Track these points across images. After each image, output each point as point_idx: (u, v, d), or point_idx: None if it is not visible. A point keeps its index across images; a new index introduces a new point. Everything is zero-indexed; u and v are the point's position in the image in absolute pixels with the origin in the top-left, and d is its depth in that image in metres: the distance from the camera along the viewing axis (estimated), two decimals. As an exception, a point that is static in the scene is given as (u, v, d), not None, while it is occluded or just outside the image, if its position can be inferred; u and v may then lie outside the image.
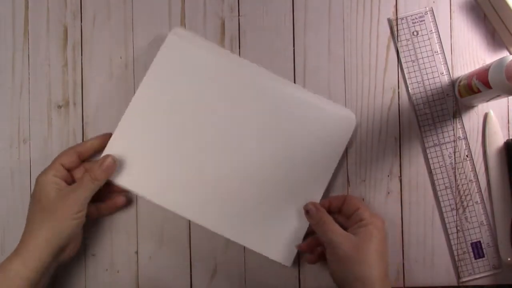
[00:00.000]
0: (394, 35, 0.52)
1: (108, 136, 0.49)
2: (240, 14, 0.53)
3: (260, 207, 0.50)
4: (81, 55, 0.53)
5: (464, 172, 0.51)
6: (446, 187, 0.51)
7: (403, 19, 0.52)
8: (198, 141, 0.50)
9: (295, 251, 0.49)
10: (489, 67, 0.44)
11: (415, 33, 0.52)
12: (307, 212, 0.48)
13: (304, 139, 0.50)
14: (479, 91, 0.46)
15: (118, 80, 0.53)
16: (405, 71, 0.52)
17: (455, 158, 0.51)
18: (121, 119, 0.49)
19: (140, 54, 0.53)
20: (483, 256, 0.51)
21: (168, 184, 0.49)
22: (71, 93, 0.53)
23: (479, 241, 0.51)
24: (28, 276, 0.42)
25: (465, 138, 0.52)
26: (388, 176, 0.52)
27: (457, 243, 0.51)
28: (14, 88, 0.53)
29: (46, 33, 0.53)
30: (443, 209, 0.51)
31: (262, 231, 0.50)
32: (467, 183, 0.51)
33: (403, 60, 0.52)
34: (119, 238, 0.52)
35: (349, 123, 0.50)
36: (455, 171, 0.51)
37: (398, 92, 0.52)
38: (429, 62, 0.52)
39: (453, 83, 0.52)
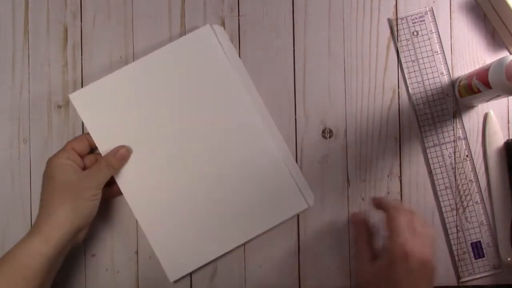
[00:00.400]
0: (394, 35, 0.52)
1: None
2: (240, 14, 0.53)
3: (244, 195, 0.50)
4: (81, 55, 0.53)
5: (464, 172, 0.51)
6: (446, 187, 0.51)
7: (403, 19, 0.52)
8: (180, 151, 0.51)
9: (301, 194, 0.50)
10: (489, 67, 0.44)
11: (415, 33, 0.52)
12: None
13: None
14: (479, 91, 0.46)
15: (118, 80, 0.53)
16: (405, 71, 0.52)
17: (455, 158, 0.51)
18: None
19: (140, 54, 0.53)
20: (483, 256, 0.51)
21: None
22: (71, 93, 0.53)
23: (479, 241, 0.51)
24: (48, 253, 0.43)
25: (465, 138, 0.52)
26: (388, 176, 0.52)
27: (457, 243, 0.51)
28: (14, 88, 0.53)
29: (46, 33, 0.53)
30: (443, 209, 0.51)
31: (265, 208, 0.51)
32: (467, 183, 0.51)
33: (403, 60, 0.52)
34: (119, 238, 0.52)
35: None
36: (455, 171, 0.51)
37: (398, 92, 0.53)
38: (429, 62, 0.52)
39: (453, 83, 0.52)
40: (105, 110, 0.50)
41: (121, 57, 0.53)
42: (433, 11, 0.52)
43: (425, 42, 0.52)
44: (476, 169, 0.52)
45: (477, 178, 0.52)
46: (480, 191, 0.51)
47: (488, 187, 0.52)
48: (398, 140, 0.52)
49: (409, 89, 0.52)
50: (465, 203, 0.51)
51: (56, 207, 0.44)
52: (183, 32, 0.53)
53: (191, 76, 0.50)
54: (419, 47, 0.52)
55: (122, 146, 0.49)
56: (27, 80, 0.53)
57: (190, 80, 0.50)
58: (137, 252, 0.52)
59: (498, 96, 0.45)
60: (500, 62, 0.43)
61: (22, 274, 0.42)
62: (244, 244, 0.52)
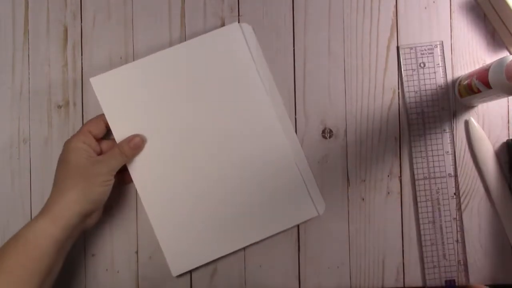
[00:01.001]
0: (400, 63, 0.52)
1: None
2: (240, 14, 0.53)
3: (254, 196, 0.50)
4: (81, 55, 0.53)
5: (449, 210, 0.51)
6: (429, 221, 0.51)
7: (412, 48, 0.52)
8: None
9: (312, 201, 0.51)
10: (489, 67, 0.44)
11: (421, 65, 0.51)
12: None
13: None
14: (479, 91, 0.46)
15: (118, 80, 0.53)
16: (407, 100, 0.52)
17: (442, 194, 0.51)
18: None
19: (140, 54, 0.53)
20: None
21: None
22: (71, 93, 0.53)
23: (454, 280, 0.51)
24: (56, 234, 0.43)
25: (455, 175, 0.51)
26: (388, 176, 0.52)
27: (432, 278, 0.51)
28: (14, 88, 0.53)
29: (46, 33, 0.53)
30: (423, 243, 0.51)
31: (274, 211, 0.51)
32: (451, 221, 0.51)
33: (406, 90, 0.52)
34: (119, 238, 0.52)
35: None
36: (439, 208, 0.51)
37: (398, 92, 0.52)
38: (431, 95, 0.52)
39: (453, 83, 0.52)
40: (124, 97, 0.50)
41: (121, 57, 0.53)
42: (443, 44, 0.52)
43: (430, 75, 0.52)
44: (462, 207, 0.52)
45: (461, 217, 0.51)
46: (462, 230, 0.51)
47: (487, 193, 0.52)
48: (398, 140, 0.52)
49: (409, 119, 0.52)
50: (445, 240, 0.51)
51: (67, 189, 0.45)
52: (183, 32, 0.53)
53: (213, 72, 0.51)
54: (423, 79, 0.52)
55: (137, 135, 0.49)
56: (27, 80, 0.53)
57: (212, 75, 0.51)
58: (137, 252, 0.52)
59: (498, 96, 0.45)
60: (500, 62, 0.43)
61: (31, 255, 0.42)
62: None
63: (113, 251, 0.52)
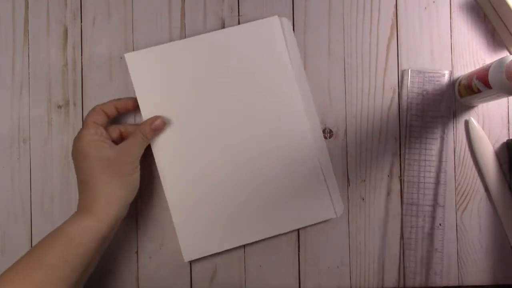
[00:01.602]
0: (403, 85, 0.52)
1: (130, 99, 0.50)
2: (240, 14, 0.53)
3: (275, 190, 0.50)
4: (81, 55, 0.53)
5: (432, 239, 0.51)
6: (415, 260, 0.51)
7: (421, 73, 0.51)
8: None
9: (331, 201, 0.50)
10: (489, 67, 0.44)
11: (425, 92, 0.51)
12: None
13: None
14: (479, 91, 0.46)
15: (118, 80, 0.53)
16: (408, 123, 0.52)
17: (428, 224, 0.51)
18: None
19: (140, 54, 0.53)
20: None
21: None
22: (71, 93, 0.53)
23: None
24: (101, 231, 0.43)
25: (443, 206, 0.51)
26: (388, 176, 0.52)
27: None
28: (14, 88, 0.53)
29: (46, 33, 0.53)
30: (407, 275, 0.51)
31: (293, 208, 0.50)
32: (433, 251, 0.51)
33: (403, 113, 0.52)
34: (119, 238, 0.52)
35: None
36: (423, 241, 0.51)
37: (398, 92, 0.53)
38: (431, 122, 0.51)
39: (453, 83, 0.52)
40: (156, 77, 0.50)
41: (121, 58, 0.53)
42: (451, 73, 0.52)
43: (434, 101, 0.51)
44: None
45: (442, 249, 0.51)
46: (442, 262, 0.51)
47: (487, 193, 0.52)
48: (398, 140, 0.52)
49: (410, 137, 0.52)
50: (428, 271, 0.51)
51: (103, 186, 0.44)
52: (183, 32, 0.53)
53: (247, 62, 0.51)
54: (428, 104, 0.51)
55: (158, 117, 0.49)
56: (27, 80, 0.53)
57: (245, 65, 0.51)
58: (137, 252, 0.52)
59: (498, 96, 0.45)
60: (500, 62, 0.43)
61: (75, 251, 0.42)
62: (244, 244, 0.52)
63: (113, 251, 0.52)
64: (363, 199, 0.52)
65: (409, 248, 0.51)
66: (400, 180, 0.52)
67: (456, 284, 0.51)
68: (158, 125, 0.49)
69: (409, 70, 0.52)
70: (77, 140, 0.46)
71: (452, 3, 0.53)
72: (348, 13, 0.53)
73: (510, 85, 0.42)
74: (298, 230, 0.52)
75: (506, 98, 0.52)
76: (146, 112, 0.50)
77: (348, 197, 0.52)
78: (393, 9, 0.53)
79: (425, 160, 0.51)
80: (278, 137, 0.51)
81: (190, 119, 0.50)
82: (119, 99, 0.50)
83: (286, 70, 0.51)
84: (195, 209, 0.50)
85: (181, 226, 0.50)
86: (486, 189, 0.52)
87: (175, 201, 0.50)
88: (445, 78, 0.51)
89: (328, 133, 0.52)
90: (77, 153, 0.46)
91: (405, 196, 0.51)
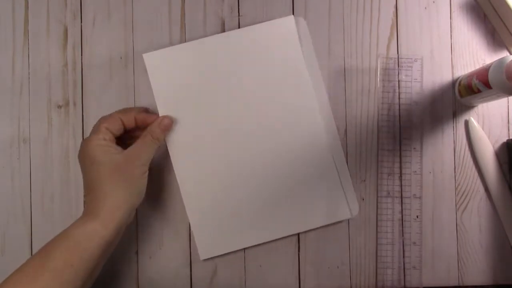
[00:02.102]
0: (378, 72, 0.52)
1: (154, 115, 0.50)
2: (240, 14, 0.53)
3: (290, 189, 0.51)
4: (81, 55, 0.53)
5: (410, 232, 0.51)
6: (387, 242, 0.51)
7: (391, 59, 0.52)
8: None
9: (346, 201, 0.51)
10: (489, 67, 0.44)
11: (400, 78, 0.51)
12: None
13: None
14: (479, 91, 0.46)
15: (118, 80, 0.53)
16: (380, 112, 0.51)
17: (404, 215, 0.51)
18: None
19: (140, 54, 0.53)
20: None
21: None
22: (71, 93, 0.53)
23: None
24: (106, 236, 0.43)
25: (420, 197, 0.51)
26: (388, 176, 0.52)
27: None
28: (14, 88, 0.53)
29: (46, 33, 0.53)
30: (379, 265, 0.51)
31: (308, 208, 0.51)
32: (410, 245, 0.51)
33: (379, 101, 0.52)
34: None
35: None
36: (401, 229, 0.51)
37: (398, 92, 0.52)
38: (405, 109, 0.52)
39: (453, 83, 0.52)
40: (173, 77, 0.51)
41: (121, 58, 0.53)
42: (422, 60, 0.52)
43: (407, 89, 0.52)
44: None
45: (421, 241, 0.51)
46: (421, 255, 0.51)
47: (487, 193, 0.52)
48: (398, 140, 0.52)
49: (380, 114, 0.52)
50: (401, 265, 0.51)
51: (110, 190, 0.44)
52: (183, 32, 0.53)
53: (262, 61, 0.51)
54: (401, 92, 0.52)
55: (165, 116, 0.49)
56: (27, 80, 0.53)
57: (260, 65, 0.51)
58: (137, 252, 0.52)
59: (498, 96, 0.45)
60: (500, 62, 0.43)
61: (80, 255, 0.42)
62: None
63: (113, 251, 0.52)
64: (363, 199, 0.52)
65: (386, 243, 0.51)
66: (400, 180, 0.52)
67: (456, 284, 0.51)
68: (167, 124, 0.49)
69: (378, 58, 0.52)
70: (85, 143, 0.46)
71: (452, 3, 0.53)
72: (348, 13, 0.53)
73: (510, 85, 0.42)
74: (298, 230, 0.52)
75: (506, 98, 0.52)
76: (163, 112, 0.50)
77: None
78: (393, 9, 0.53)
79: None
80: (293, 137, 0.51)
81: (207, 118, 0.51)
82: (140, 111, 0.49)
83: (300, 69, 0.51)
84: (211, 208, 0.51)
85: (197, 225, 0.51)
86: (486, 189, 0.52)
87: (191, 200, 0.51)
88: (418, 64, 0.52)
89: (328, 133, 0.52)
90: (84, 157, 0.45)
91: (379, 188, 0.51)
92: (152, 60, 0.51)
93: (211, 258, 0.51)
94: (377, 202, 0.52)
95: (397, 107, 0.52)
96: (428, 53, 0.53)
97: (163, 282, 0.52)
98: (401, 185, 0.52)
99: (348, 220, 0.52)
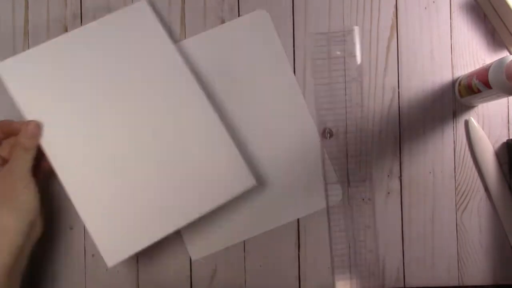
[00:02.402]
0: (308, 51, 0.52)
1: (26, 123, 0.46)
2: (240, 14, 0.53)
3: (182, 174, 0.48)
4: (81, 55, 0.53)
5: (361, 216, 0.51)
6: (340, 229, 0.51)
7: (323, 34, 0.51)
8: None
9: (245, 172, 0.48)
10: (489, 67, 0.44)
11: (334, 53, 0.51)
12: None
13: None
14: (479, 91, 0.46)
15: (118, 80, 0.53)
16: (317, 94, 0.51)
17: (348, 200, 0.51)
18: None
19: (140, 54, 0.53)
20: None
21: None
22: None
23: None
24: (6, 262, 0.41)
25: (371, 179, 0.51)
26: (388, 176, 0.52)
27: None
28: (14, 88, 0.53)
29: (46, 33, 0.53)
30: (334, 252, 0.51)
31: (205, 188, 0.48)
32: (364, 228, 0.51)
33: (316, 82, 0.51)
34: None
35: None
36: (352, 214, 0.51)
37: (398, 92, 0.53)
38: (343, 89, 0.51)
39: (453, 83, 0.52)
40: (35, 81, 0.48)
41: (121, 57, 0.53)
42: (354, 32, 0.51)
43: (340, 65, 0.51)
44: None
45: (374, 223, 0.51)
46: (376, 239, 0.51)
47: (487, 193, 0.52)
48: (398, 140, 0.52)
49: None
50: (357, 250, 0.51)
51: None
52: (183, 32, 0.53)
53: (124, 52, 0.49)
54: (335, 70, 0.51)
55: (29, 122, 0.45)
56: (27, 80, 0.53)
57: (123, 55, 0.49)
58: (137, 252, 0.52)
59: (498, 96, 0.45)
60: (500, 62, 0.43)
61: None
62: (244, 243, 0.52)
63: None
64: (363, 199, 0.52)
65: (339, 230, 0.51)
66: (400, 180, 0.52)
67: (456, 284, 0.51)
68: (34, 131, 0.45)
69: (310, 35, 0.51)
70: None
71: (452, 3, 0.53)
72: (348, 13, 0.53)
73: (510, 85, 0.42)
74: (298, 230, 0.52)
75: (506, 98, 0.52)
76: (31, 118, 0.47)
77: (348, 197, 0.52)
78: (393, 9, 0.53)
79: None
80: (171, 116, 0.48)
81: (79, 120, 0.48)
82: (8, 120, 0.46)
83: (168, 53, 0.49)
84: (107, 212, 0.47)
85: (96, 231, 0.46)
86: (486, 189, 0.52)
87: (84, 208, 0.46)
88: (352, 35, 0.51)
89: (328, 133, 0.52)
90: None
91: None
92: (7, 69, 0.47)
93: (201, 258, 0.51)
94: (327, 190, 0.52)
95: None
96: (428, 53, 0.53)
97: (163, 282, 0.52)
98: (401, 186, 0.52)
99: (348, 220, 0.52)
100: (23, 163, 0.44)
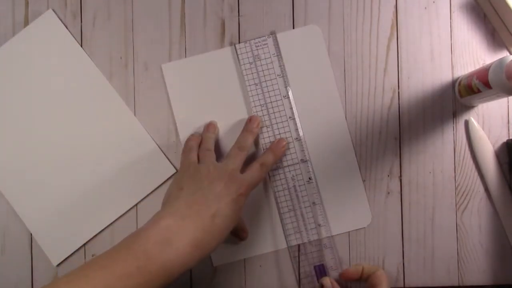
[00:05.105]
0: (236, 59, 0.52)
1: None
2: (240, 14, 0.53)
3: (108, 171, 0.52)
4: (81, 55, 0.53)
5: (307, 195, 0.51)
6: (289, 209, 0.51)
7: (246, 42, 0.52)
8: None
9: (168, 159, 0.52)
10: (489, 67, 0.44)
11: (257, 57, 0.52)
12: (322, 286, 0.49)
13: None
14: (479, 91, 0.46)
15: (118, 80, 0.53)
16: (249, 93, 0.52)
17: (297, 180, 0.51)
18: None
19: (140, 54, 0.53)
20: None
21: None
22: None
23: (322, 264, 0.51)
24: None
25: (307, 161, 0.51)
26: (388, 176, 0.52)
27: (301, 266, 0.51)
28: (14, 88, 0.53)
29: (46, 33, 0.53)
30: (286, 232, 0.51)
31: (132, 181, 0.52)
32: (310, 206, 0.51)
33: (247, 83, 0.52)
34: (119, 238, 0.52)
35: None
36: (297, 194, 0.51)
37: (398, 92, 0.53)
38: (272, 85, 0.52)
39: (453, 83, 0.52)
40: None
41: (121, 58, 0.53)
42: (276, 35, 0.52)
43: (268, 65, 0.52)
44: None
45: (321, 200, 0.51)
46: (325, 214, 0.51)
47: (487, 193, 0.52)
48: (398, 140, 0.52)
49: (252, 111, 0.52)
50: (308, 226, 0.51)
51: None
52: (183, 32, 0.53)
53: (43, 62, 0.52)
54: (262, 71, 0.52)
55: None
56: (27, 80, 0.53)
57: (44, 65, 0.52)
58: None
59: (498, 96, 0.45)
60: (500, 62, 0.43)
61: None
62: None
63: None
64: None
65: (288, 210, 0.51)
66: (400, 180, 0.52)
67: (456, 284, 0.51)
68: None
69: (235, 45, 0.52)
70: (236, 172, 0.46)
71: (452, 3, 0.53)
72: (348, 13, 0.53)
73: (510, 85, 0.42)
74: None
75: (506, 98, 0.52)
76: None
77: (348, 197, 0.52)
78: (393, 9, 0.53)
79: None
80: (94, 119, 0.52)
81: (13, 126, 0.52)
82: None
83: (78, 56, 0.52)
84: (46, 212, 0.51)
85: (39, 234, 0.51)
86: (486, 189, 0.52)
87: (23, 211, 0.51)
88: (271, 40, 0.52)
89: (328, 133, 0.52)
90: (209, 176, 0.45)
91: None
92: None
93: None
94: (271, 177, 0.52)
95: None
96: (428, 53, 0.53)
97: (163, 282, 0.52)
98: (401, 186, 0.52)
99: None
100: None
